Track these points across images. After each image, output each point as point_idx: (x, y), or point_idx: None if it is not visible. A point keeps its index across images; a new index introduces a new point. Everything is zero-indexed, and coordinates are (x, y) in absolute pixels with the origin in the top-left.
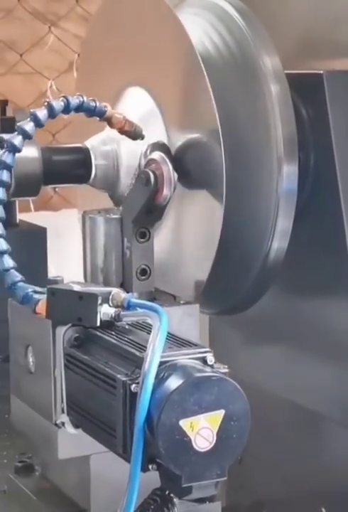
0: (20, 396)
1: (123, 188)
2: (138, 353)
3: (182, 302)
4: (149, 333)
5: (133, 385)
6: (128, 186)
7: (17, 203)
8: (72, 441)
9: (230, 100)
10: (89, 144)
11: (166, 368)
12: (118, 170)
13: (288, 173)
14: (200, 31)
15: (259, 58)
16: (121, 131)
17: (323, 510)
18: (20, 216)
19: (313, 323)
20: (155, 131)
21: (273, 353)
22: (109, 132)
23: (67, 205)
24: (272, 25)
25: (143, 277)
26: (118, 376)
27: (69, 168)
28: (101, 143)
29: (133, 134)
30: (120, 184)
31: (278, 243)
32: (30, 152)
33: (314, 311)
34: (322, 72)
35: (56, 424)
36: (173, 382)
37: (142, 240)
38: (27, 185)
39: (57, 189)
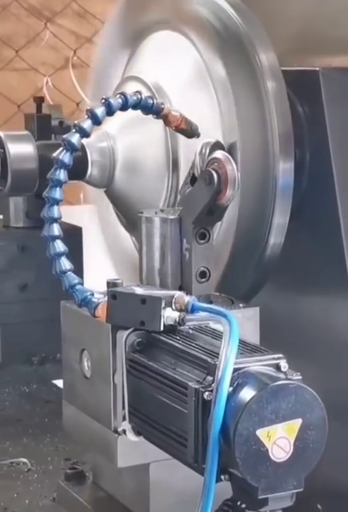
0: (73, 402)
1: (119, 185)
2: (209, 360)
3: (241, 306)
4: (214, 338)
5: (206, 393)
6: (184, 186)
7: None
8: (131, 449)
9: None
10: (84, 140)
11: (240, 376)
12: (114, 167)
13: (284, 170)
14: None
15: (255, 55)
16: (177, 129)
17: (319, 506)
18: None
19: (309, 319)
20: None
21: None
22: (105, 129)
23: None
24: (268, 22)
25: (203, 280)
26: (190, 383)
27: None
28: (97, 139)
29: (190, 131)
30: (115, 181)
31: (274, 239)
32: (25, 149)
33: (310, 307)
34: (318, 69)
35: (116, 431)
36: (249, 391)
37: (202, 241)
38: (23, 183)
39: None
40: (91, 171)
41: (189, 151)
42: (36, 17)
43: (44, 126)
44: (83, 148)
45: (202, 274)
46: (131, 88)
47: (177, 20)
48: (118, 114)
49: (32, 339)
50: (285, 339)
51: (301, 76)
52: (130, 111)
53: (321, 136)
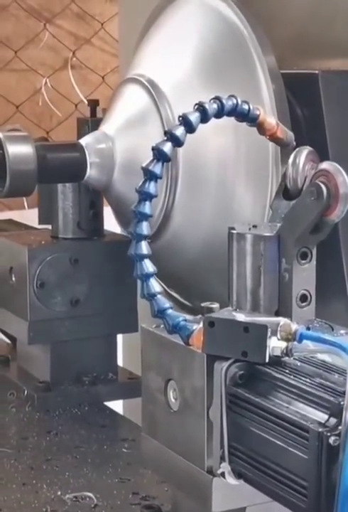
0: (155, 436)
1: (117, 187)
2: (332, 399)
3: (342, 332)
4: (327, 372)
5: (333, 438)
6: (275, 200)
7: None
8: (227, 492)
9: None
10: (83, 141)
11: None
12: (113, 168)
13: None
14: (196, 29)
15: (255, 57)
16: (272, 138)
17: None
18: (14, 214)
19: None
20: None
21: None
22: (104, 130)
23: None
24: (268, 24)
25: (304, 304)
26: (311, 426)
27: (64, 165)
28: (96, 141)
29: (285, 141)
30: (114, 182)
31: None
32: (24, 149)
33: None
34: (317, 71)
35: (210, 472)
36: None
37: (303, 261)
38: (22, 184)
39: None
40: (90, 172)
41: (187, 153)
42: (35, 18)
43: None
44: (82, 149)
45: (303, 298)
46: (130, 90)
47: None
48: (116, 114)
49: (83, 357)
50: None
51: (300, 79)
52: (128, 112)
53: (320, 138)
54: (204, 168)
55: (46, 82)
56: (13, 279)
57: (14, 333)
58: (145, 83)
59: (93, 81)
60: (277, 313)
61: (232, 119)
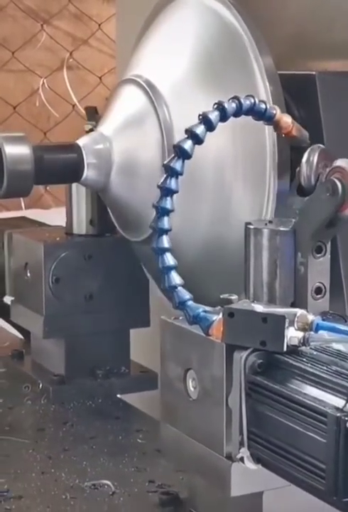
0: (174, 423)
1: (115, 188)
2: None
3: None
4: (343, 360)
5: None
6: (290, 196)
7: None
8: (245, 477)
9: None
10: (81, 142)
11: None
12: (110, 169)
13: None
14: (193, 30)
15: (252, 58)
16: (288, 136)
17: None
18: (11, 214)
19: None
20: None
21: None
22: (101, 130)
23: (57, 203)
24: (267, 25)
25: (319, 296)
26: (329, 411)
27: (61, 166)
28: (93, 141)
29: (300, 139)
30: (111, 183)
31: None
32: (21, 150)
33: None
34: (314, 72)
35: (229, 458)
36: None
37: (318, 255)
38: (19, 185)
39: (47, 187)
40: (87, 173)
41: None
42: (33, 18)
43: None
44: (79, 150)
45: (318, 290)
46: (128, 91)
47: None
48: (114, 115)
49: (97, 351)
50: None
51: (298, 80)
52: (126, 113)
53: (317, 140)
54: (201, 169)
55: (43, 83)
56: (29, 274)
57: (29, 328)
58: (143, 84)
59: (90, 82)
60: (292, 306)
61: (230, 120)
